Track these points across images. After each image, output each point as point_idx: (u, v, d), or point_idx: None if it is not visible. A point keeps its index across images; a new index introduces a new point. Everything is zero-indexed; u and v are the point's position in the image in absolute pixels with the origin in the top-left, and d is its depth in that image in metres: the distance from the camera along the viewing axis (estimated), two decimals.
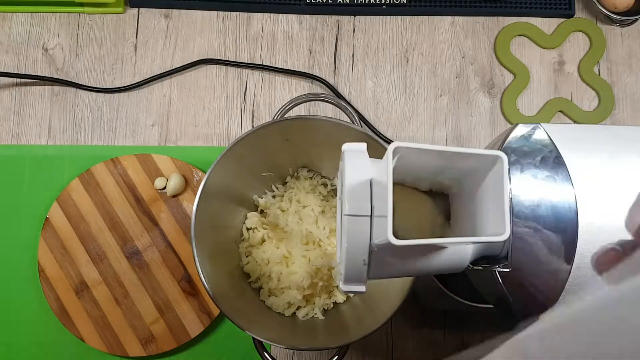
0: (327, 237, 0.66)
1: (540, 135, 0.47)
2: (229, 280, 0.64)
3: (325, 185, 0.69)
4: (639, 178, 0.46)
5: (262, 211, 0.68)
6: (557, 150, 0.46)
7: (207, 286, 0.57)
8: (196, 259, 0.57)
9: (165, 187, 0.72)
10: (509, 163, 0.46)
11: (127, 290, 0.69)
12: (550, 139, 0.47)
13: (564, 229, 0.44)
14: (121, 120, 0.76)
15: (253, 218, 0.67)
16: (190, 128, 0.76)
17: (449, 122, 0.77)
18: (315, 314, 0.65)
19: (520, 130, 0.48)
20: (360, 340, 0.57)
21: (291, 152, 0.66)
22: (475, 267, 0.49)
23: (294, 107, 0.64)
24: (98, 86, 0.77)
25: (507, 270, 0.44)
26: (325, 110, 0.77)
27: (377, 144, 0.59)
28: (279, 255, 0.65)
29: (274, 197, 0.68)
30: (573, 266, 0.44)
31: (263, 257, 0.65)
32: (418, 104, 0.78)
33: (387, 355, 0.71)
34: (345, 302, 0.66)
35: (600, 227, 0.44)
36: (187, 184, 0.72)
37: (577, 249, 0.44)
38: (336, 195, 0.67)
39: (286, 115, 0.64)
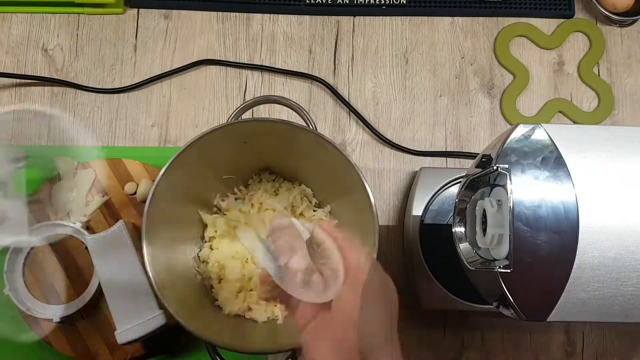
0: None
1: (540, 135, 0.47)
2: (185, 283, 0.63)
3: (289, 189, 0.69)
4: None
5: (224, 214, 0.68)
6: (558, 150, 0.46)
7: (154, 283, 0.57)
8: (146, 258, 0.57)
9: (135, 193, 0.71)
10: (510, 163, 0.46)
11: (96, 296, 0.68)
12: (551, 140, 0.47)
13: (565, 230, 0.44)
14: (121, 120, 0.76)
15: (213, 220, 0.67)
16: (190, 129, 0.76)
17: (449, 122, 0.77)
18: (277, 316, 0.64)
19: (521, 130, 0.48)
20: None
21: (251, 154, 0.65)
22: (476, 268, 0.49)
23: (246, 110, 0.63)
24: (98, 87, 0.76)
25: (508, 270, 0.44)
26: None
27: (332, 147, 0.59)
28: (237, 256, 0.64)
29: (236, 199, 0.69)
30: (574, 266, 0.44)
31: (219, 258, 0.65)
32: (418, 105, 0.78)
33: None
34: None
35: (600, 228, 0.44)
36: None
37: (577, 249, 0.44)
38: (300, 199, 0.67)
39: (242, 117, 0.63)
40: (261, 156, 0.66)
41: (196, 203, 0.67)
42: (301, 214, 0.67)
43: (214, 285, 0.65)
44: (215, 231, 0.67)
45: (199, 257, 0.66)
